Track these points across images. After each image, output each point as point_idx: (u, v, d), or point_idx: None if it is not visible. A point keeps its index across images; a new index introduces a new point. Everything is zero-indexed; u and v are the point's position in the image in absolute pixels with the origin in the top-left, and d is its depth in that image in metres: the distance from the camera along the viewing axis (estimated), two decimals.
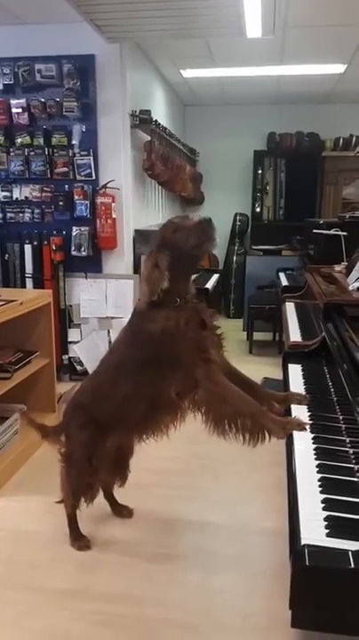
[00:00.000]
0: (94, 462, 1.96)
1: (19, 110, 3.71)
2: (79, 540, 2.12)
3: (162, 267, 1.73)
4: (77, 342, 4.00)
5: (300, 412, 1.68)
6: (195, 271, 1.92)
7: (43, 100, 3.69)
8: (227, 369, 1.86)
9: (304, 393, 1.82)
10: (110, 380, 1.91)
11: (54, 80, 3.65)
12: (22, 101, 3.70)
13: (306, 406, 1.73)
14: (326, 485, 1.28)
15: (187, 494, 2.50)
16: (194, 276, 1.98)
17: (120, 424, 1.92)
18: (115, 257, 3.94)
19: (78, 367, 4.00)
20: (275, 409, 1.79)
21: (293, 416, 1.65)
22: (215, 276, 5.64)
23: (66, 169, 3.77)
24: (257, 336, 5.03)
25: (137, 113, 3.93)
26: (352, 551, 1.02)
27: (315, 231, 3.84)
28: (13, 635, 1.72)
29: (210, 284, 5.17)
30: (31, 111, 3.71)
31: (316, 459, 1.41)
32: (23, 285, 3.91)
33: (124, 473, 2.19)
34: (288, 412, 1.73)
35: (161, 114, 4.95)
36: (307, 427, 1.57)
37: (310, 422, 1.61)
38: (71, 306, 3.99)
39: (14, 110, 3.71)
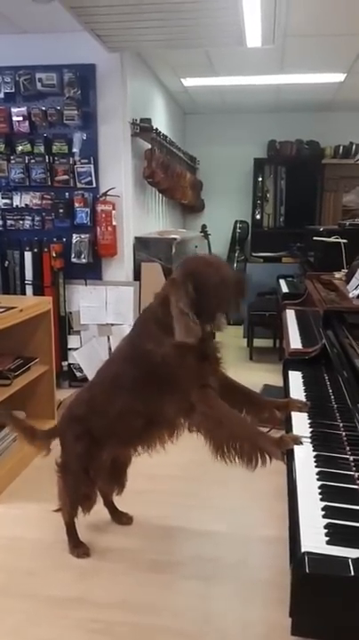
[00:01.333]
0: (91, 473, 1.95)
1: (20, 118, 3.73)
2: (78, 547, 2.11)
3: (187, 307, 1.64)
4: (77, 349, 4.01)
5: (300, 420, 1.68)
6: (214, 317, 1.80)
7: (43, 108, 3.72)
8: (226, 382, 1.84)
9: (304, 400, 1.82)
10: (106, 394, 1.89)
11: (55, 89, 3.68)
12: (23, 109, 3.73)
13: (306, 413, 1.73)
14: (326, 493, 1.27)
15: (186, 501, 2.49)
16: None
17: (115, 438, 1.91)
18: (116, 264, 3.95)
19: (78, 374, 4.00)
20: (277, 416, 1.78)
21: (291, 432, 1.63)
22: None
23: (66, 177, 3.79)
24: (257, 343, 5.03)
25: (137, 121, 3.96)
26: (352, 559, 1.01)
27: (315, 238, 3.85)
28: None
29: None
30: (32, 119, 3.73)
31: (317, 466, 1.40)
32: (23, 292, 3.92)
33: (122, 481, 2.18)
34: (288, 419, 1.73)
35: (161, 122, 4.98)
36: (305, 439, 1.56)
37: (310, 430, 1.61)
38: (71, 312, 3.99)
39: (15, 118, 3.73)
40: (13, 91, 3.73)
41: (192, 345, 1.67)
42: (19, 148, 3.79)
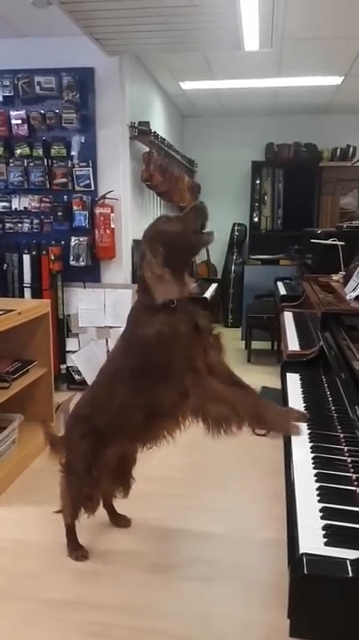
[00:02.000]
0: (94, 473, 1.95)
1: (19, 122, 3.74)
2: (77, 550, 2.11)
3: (157, 262, 1.71)
4: (75, 352, 4.01)
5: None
6: (192, 265, 1.90)
7: (42, 111, 3.73)
8: (229, 376, 1.83)
9: (303, 407, 1.80)
10: (107, 390, 1.91)
11: (54, 92, 3.70)
12: (22, 113, 3.73)
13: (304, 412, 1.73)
14: (324, 494, 1.28)
15: (185, 503, 2.50)
16: (195, 282, 1.96)
17: (120, 433, 1.91)
18: (114, 267, 3.96)
19: (76, 377, 4.00)
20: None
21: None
22: (213, 286, 5.66)
23: (65, 180, 3.80)
24: (255, 345, 5.03)
25: (136, 124, 3.97)
26: (350, 560, 1.02)
27: (312, 241, 3.86)
28: None
29: (208, 294, 5.18)
30: (30, 122, 3.74)
31: (314, 467, 1.41)
32: (22, 295, 3.92)
33: (127, 482, 2.17)
34: None
35: (160, 125, 5.00)
36: (303, 440, 1.57)
37: (308, 431, 1.61)
38: (69, 315, 4.00)
39: (14, 122, 3.74)
40: (12, 94, 3.74)
41: (183, 319, 1.73)
42: (18, 151, 3.80)
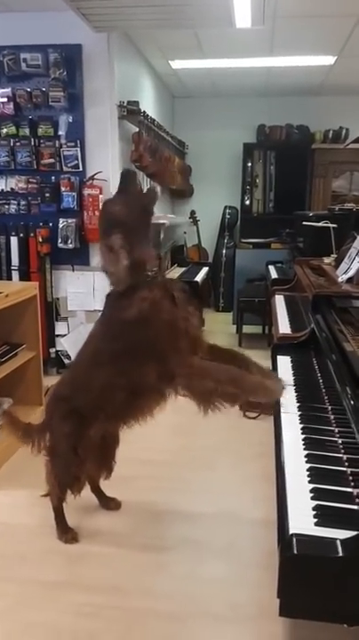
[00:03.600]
0: (80, 452, 1.94)
1: (5, 100, 3.65)
2: (66, 532, 2.10)
3: (116, 247, 1.73)
4: (64, 335, 3.97)
5: (289, 402, 1.68)
6: (151, 233, 1.91)
7: (28, 89, 3.63)
8: (207, 346, 1.85)
9: (294, 389, 1.81)
10: (87, 371, 1.90)
11: (40, 69, 3.60)
12: (7, 91, 3.64)
13: (294, 397, 1.73)
14: (315, 475, 1.27)
15: (174, 485, 2.50)
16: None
17: (102, 413, 1.90)
18: None
19: (66, 361, 3.97)
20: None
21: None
22: (204, 270, 5.62)
23: (52, 160, 3.73)
24: (246, 329, 5.03)
25: (125, 104, 3.88)
26: (340, 540, 1.02)
27: (304, 224, 3.84)
28: (3, 627, 1.70)
29: (199, 278, 5.15)
30: (17, 101, 3.65)
31: (305, 449, 1.41)
32: (9, 278, 3.87)
33: (110, 464, 2.17)
34: (278, 402, 1.73)
35: (149, 105, 4.91)
36: (294, 417, 1.58)
37: (299, 413, 1.61)
38: (58, 299, 3.95)
39: None
40: None
41: (160, 292, 1.75)
42: (4, 130, 3.71)
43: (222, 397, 1.73)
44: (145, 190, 1.85)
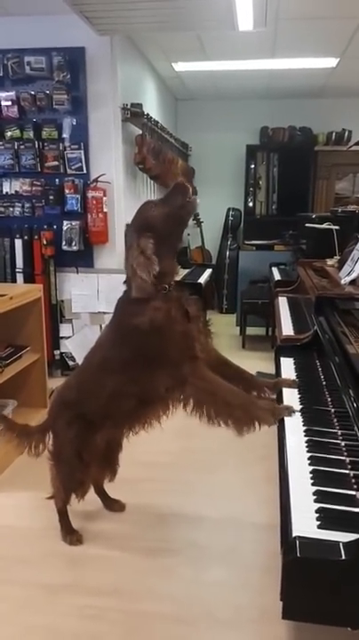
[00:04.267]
0: (84, 458, 1.94)
1: (9, 103, 3.67)
2: (70, 534, 2.11)
3: (148, 252, 1.68)
4: (69, 337, 3.98)
5: (293, 404, 1.68)
6: (179, 248, 1.86)
7: (32, 92, 3.65)
8: (217, 359, 1.85)
9: (297, 391, 1.81)
10: (95, 378, 1.88)
11: (44, 72, 3.62)
12: (12, 94, 3.66)
13: (298, 399, 1.73)
14: (318, 477, 1.27)
15: (178, 488, 2.50)
16: (184, 272, 1.96)
17: (108, 420, 1.90)
18: (107, 251, 3.92)
19: (70, 362, 3.98)
20: (268, 396, 1.79)
21: (283, 403, 1.65)
22: (208, 271, 5.62)
23: (56, 163, 3.74)
24: (250, 331, 5.02)
25: (128, 106, 3.90)
26: (343, 542, 1.01)
27: (307, 225, 3.84)
28: (5, 630, 1.71)
29: (203, 279, 5.15)
30: (21, 104, 3.67)
31: (308, 451, 1.40)
32: (14, 280, 3.88)
33: (114, 467, 2.17)
34: (279, 397, 1.73)
35: (152, 108, 4.92)
36: (297, 411, 1.58)
37: (302, 415, 1.61)
38: (62, 301, 3.96)
39: (3, 103, 3.67)
40: (2, 74, 3.67)
41: (174, 305, 1.72)
42: (9, 133, 3.73)
43: (227, 419, 1.70)
44: (188, 202, 1.76)
